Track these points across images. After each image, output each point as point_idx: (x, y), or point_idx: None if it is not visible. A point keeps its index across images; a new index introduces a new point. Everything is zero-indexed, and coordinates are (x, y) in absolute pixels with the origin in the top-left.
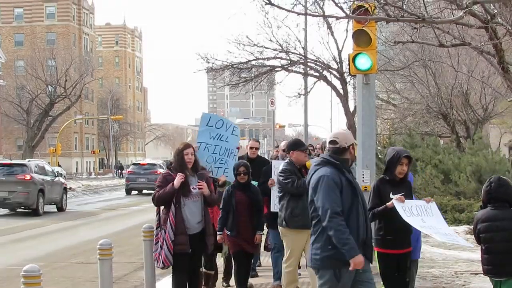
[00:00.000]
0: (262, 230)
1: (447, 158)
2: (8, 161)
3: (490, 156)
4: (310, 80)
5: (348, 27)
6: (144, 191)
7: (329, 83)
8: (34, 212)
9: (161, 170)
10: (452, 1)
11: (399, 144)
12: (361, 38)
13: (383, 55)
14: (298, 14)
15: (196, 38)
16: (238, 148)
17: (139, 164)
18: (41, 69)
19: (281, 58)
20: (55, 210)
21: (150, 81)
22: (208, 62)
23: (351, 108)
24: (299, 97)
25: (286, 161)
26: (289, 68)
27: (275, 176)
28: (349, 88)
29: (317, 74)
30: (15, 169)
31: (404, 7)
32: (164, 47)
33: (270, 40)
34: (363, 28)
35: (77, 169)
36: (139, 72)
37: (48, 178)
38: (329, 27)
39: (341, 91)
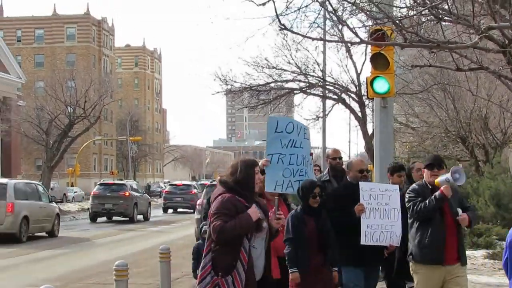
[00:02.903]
0: (338, 267)
1: (466, 182)
2: (111, 181)
3: (509, 180)
4: (328, 102)
5: (366, 50)
6: (179, 210)
7: (347, 106)
8: (130, 220)
9: (195, 190)
10: (469, 26)
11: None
12: (379, 62)
13: (401, 78)
14: (313, 39)
15: (215, 59)
16: (311, 154)
17: (175, 184)
18: (61, 90)
19: (300, 81)
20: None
21: (169, 103)
22: (227, 84)
23: (369, 131)
24: (318, 119)
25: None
26: (308, 90)
27: (364, 200)
28: (368, 111)
29: (335, 96)
30: (117, 187)
31: (422, 32)
32: (183, 68)
33: (289, 63)
34: (381, 52)
35: None
36: (158, 94)
37: (139, 194)
38: (348, 50)
39: (359, 114)
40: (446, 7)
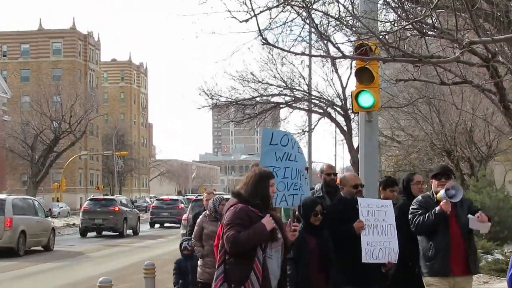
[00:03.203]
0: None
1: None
2: (101, 197)
3: (495, 194)
4: (314, 116)
5: (351, 64)
6: (166, 224)
7: (333, 120)
8: (120, 234)
9: (182, 205)
10: (453, 40)
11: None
12: (364, 76)
13: (387, 92)
14: (296, 54)
15: (201, 73)
16: (306, 168)
17: (162, 199)
18: (46, 105)
19: (285, 95)
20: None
21: (155, 117)
22: (213, 99)
23: (355, 145)
24: (303, 133)
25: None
26: (293, 104)
27: (362, 217)
28: (353, 125)
29: (321, 110)
30: (107, 202)
31: (406, 46)
32: (169, 82)
33: (274, 77)
34: (366, 66)
35: (81, 205)
36: (144, 108)
37: (128, 209)
38: (333, 64)
39: (345, 128)
40: (430, 21)
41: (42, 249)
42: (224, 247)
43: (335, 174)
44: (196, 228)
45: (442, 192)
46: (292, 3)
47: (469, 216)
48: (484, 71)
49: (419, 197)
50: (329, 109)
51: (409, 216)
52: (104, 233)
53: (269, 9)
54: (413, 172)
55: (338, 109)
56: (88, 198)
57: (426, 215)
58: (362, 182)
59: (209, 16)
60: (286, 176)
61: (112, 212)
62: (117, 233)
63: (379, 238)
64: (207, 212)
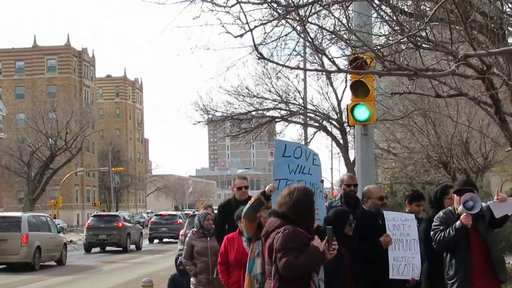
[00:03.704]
0: None
1: None
2: (105, 213)
3: None
4: (310, 130)
5: (346, 78)
6: (165, 240)
7: (329, 133)
8: (124, 250)
9: (180, 220)
10: (448, 53)
11: (399, 194)
12: (359, 89)
13: (382, 104)
14: (291, 68)
15: (196, 88)
16: (322, 181)
17: (160, 215)
18: (42, 122)
19: (281, 109)
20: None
21: (151, 132)
22: (208, 114)
23: (351, 158)
24: None
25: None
26: (289, 118)
27: (389, 231)
28: (349, 138)
29: (316, 124)
30: (110, 218)
31: (401, 59)
32: (165, 98)
33: (270, 91)
34: (361, 79)
35: (78, 221)
36: (140, 124)
37: (131, 225)
38: (328, 77)
39: (341, 141)
40: (424, 34)
41: (56, 263)
42: (277, 273)
43: (356, 185)
44: (185, 247)
45: (461, 206)
46: (288, 16)
47: (488, 203)
48: (479, 83)
49: (440, 213)
50: (324, 123)
51: (431, 232)
52: (108, 248)
53: (264, 24)
54: (449, 184)
55: (334, 122)
56: (92, 215)
57: (447, 230)
58: (386, 194)
59: (204, 32)
60: None
61: (115, 228)
62: (121, 248)
63: (404, 253)
64: (195, 230)
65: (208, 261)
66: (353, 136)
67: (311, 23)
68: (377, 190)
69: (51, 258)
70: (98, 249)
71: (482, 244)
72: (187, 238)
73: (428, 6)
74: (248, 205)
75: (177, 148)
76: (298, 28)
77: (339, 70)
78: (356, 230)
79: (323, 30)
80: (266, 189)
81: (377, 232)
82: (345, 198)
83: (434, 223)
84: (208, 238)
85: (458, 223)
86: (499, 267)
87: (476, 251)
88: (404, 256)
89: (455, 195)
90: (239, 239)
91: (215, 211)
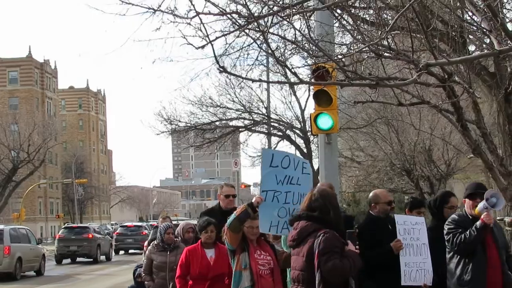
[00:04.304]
0: None
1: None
2: (75, 225)
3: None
4: (274, 139)
5: (309, 87)
6: (131, 251)
7: (292, 142)
8: (94, 261)
9: (146, 231)
10: (409, 61)
11: (363, 202)
12: (322, 98)
13: (345, 113)
14: (253, 81)
15: (159, 98)
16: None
17: (126, 226)
18: (4, 134)
19: (244, 119)
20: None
21: (114, 144)
22: (171, 124)
23: (316, 167)
24: None
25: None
26: (253, 128)
27: (400, 235)
28: (313, 147)
29: (280, 133)
30: (81, 230)
31: (363, 68)
32: (128, 108)
33: (233, 101)
34: (324, 89)
35: (41, 234)
36: (103, 135)
37: (101, 236)
38: (291, 87)
39: (305, 150)
40: (386, 43)
41: (35, 273)
42: (322, 279)
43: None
44: (144, 260)
45: (481, 205)
46: (249, 26)
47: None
48: (441, 91)
49: (454, 215)
50: (288, 132)
51: (447, 236)
52: (78, 259)
53: (225, 35)
54: (449, 192)
55: (298, 131)
56: (63, 227)
57: (467, 232)
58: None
59: (166, 43)
60: (288, 201)
61: (86, 239)
62: (91, 259)
63: (415, 258)
64: (155, 242)
65: (165, 277)
66: (316, 145)
67: (272, 33)
68: (385, 194)
69: (31, 268)
70: (68, 260)
71: (497, 251)
72: (147, 251)
73: (389, 14)
74: (233, 216)
75: (141, 159)
76: (261, 38)
77: (301, 82)
78: (365, 238)
79: (285, 40)
80: (253, 201)
81: (387, 238)
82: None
83: (449, 226)
84: (168, 253)
85: (479, 222)
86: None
87: (492, 258)
88: (416, 262)
89: (466, 200)
90: (202, 251)
91: (174, 222)
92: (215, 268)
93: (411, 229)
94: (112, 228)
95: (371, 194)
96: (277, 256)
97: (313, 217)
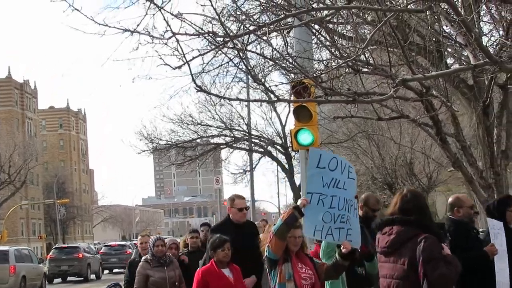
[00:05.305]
0: None
1: None
2: (65, 245)
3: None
4: (255, 156)
5: (290, 103)
6: (115, 270)
7: (274, 158)
8: (85, 279)
9: (130, 250)
10: (387, 76)
11: None
12: (302, 114)
13: (326, 128)
14: (230, 99)
15: (139, 118)
16: (356, 197)
17: (110, 245)
18: None
19: (225, 136)
20: None
21: (96, 163)
22: (152, 142)
23: (297, 182)
24: (245, 173)
25: None
26: (234, 145)
27: (493, 240)
28: (294, 163)
29: (261, 149)
30: (71, 250)
31: (340, 84)
32: (108, 128)
33: (213, 118)
34: (303, 105)
35: None
36: (84, 155)
37: (91, 255)
38: (271, 103)
39: (287, 166)
40: (364, 58)
41: None
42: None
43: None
44: (137, 277)
45: None
46: (227, 45)
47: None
48: (421, 105)
49: None
50: (269, 148)
51: None
52: (69, 278)
53: (201, 55)
54: (510, 195)
55: (279, 147)
56: (53, 247)
57: None
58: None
59: (145, 62)
60: (333, 206)
61: (76, 258)
62: (82, 278)
63: (504, 264)
64: (148, 257)
65: None
66: (298, 161)
67: (250, 51)
68: (466, 198)
69: (34, 286)
70: (59, 279)
71: None
72: (139, 267)
73: (367, 29)
74: (280, 222)
75: (122, 178)
76: (239, 55)
77: (278, 100)
78: (458, 242)
79: (263, 57)
80: (299, 203)
81: (472, 243)
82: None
83: None
84: (165, 268)
85: None
86: None
87: None
88: (501, 268)
89: None
90: (220, 271)
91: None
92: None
93: (497, 234)
94: (95, 248)
95: (451, 199)
96: (317, 269)
97: (410, 221)
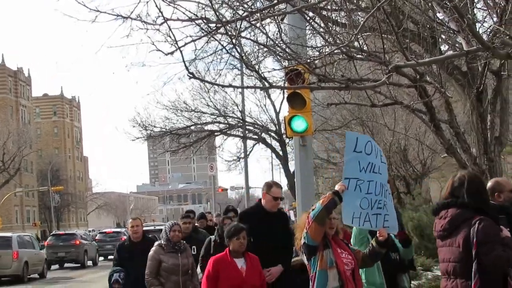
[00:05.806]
0: None
1: None
2: (62, 232)
3: (431, 211)
4: (249, 142)
5: (284, 90)
6: (110, 257)
7: (268, 145)
8: (82, 266)
9: (125, 237)
10: (381, 63)
11: None
12: (296, 101)
13: (320, 115)
14: (223, 86)
15: (134, 104)
16: (389, 181)
17: (105, 232)
18: None
19: (220, 122)
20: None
21: (90, 150)
22: (147, 130)
23: (292, 169)
24: (239, 160)
25: None
26: (228, 132)
27: None
28: (289, 149)
29: (256, 136)
30: (68, 236)
31: (335, 70)
32: (103, 115)
33: (208, 105)
34: (297, 91)
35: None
36: (79, 142)
37: (88, 242)
38: (265, 90)
39: (281, 153)
40: (358, 44)
41: (38, 276)
42: (478, 270)
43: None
44: (149, 262)
45: None
46: (220, 31)
47: None
48: (414, 91)
49: None
50: (263, 135)
51: None
52: (66, 265)
53: (194, 40)
54: None
55: (273, 134)
56: (51, 234)
57: None
58: None
59: (138, 49)
60: (370, 192)
61: (73, 245)
62: (79, 264)
63: None
64: (162, 242)
65: (179, 281)
66: (292, 148)
67: (243, 37)
68: (507, 181)
69: (36, 271)
70: (57, 266)
71: None
72: (151, 252)
73: (361, 16)
74: (319, 206)
75: (117, 165)
76: (232, 41)
77: (271, 87)
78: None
79: (256, 43)
80: (337, 188)
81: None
82: None
83: None
84: (179, 254)
85: None
86: None
87: None
88: None
89: None
90: (232, 261)
91: (151, 228)
92: (247, 280)
93: None
94: (90, 234)
95: (491, 183)
96: (355, 255)
97: (464, 204)
